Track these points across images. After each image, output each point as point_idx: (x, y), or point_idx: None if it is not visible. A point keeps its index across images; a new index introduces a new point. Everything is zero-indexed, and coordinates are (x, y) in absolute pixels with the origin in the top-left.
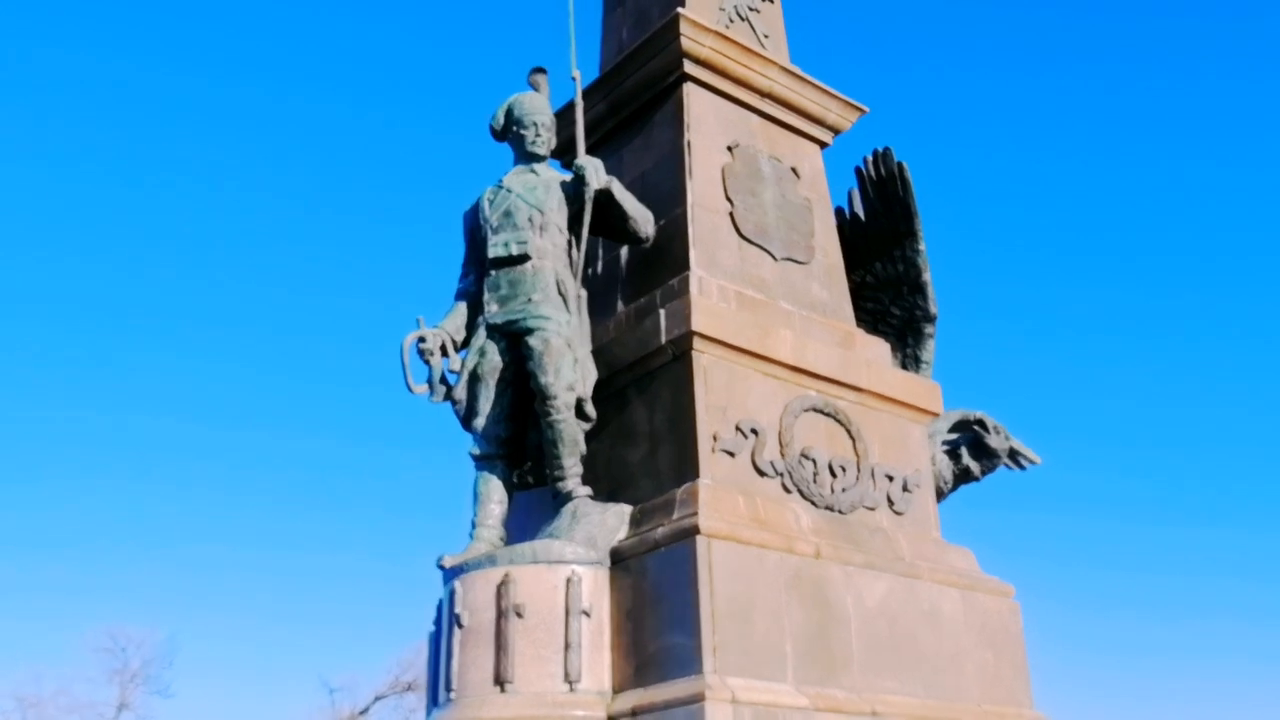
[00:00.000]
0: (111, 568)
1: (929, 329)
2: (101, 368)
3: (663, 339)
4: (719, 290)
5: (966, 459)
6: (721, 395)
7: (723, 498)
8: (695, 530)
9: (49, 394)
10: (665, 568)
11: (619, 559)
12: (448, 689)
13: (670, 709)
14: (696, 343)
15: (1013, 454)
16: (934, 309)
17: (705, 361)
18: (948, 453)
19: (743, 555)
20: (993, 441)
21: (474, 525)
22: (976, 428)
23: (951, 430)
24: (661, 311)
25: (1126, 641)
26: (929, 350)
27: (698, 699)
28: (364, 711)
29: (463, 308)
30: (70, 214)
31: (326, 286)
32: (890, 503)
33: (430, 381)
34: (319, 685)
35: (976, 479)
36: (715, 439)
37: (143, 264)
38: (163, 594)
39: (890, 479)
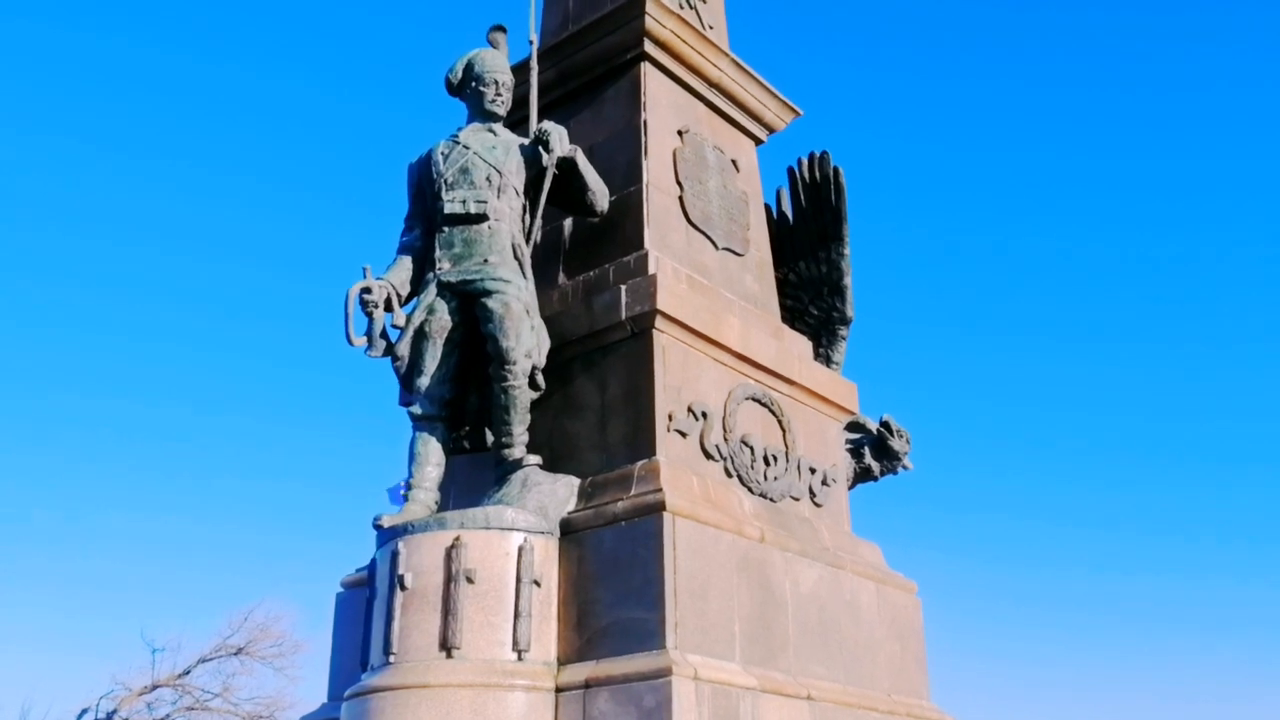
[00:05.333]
0: None
1: (844, 331)
2: None
3: (622, 315)
4: (673, 272)
5: (869, 459)
6: (677, 376)
7: (680, 476)
8: (661, 506)
9: None
10: (624, 542)
11: (570, 530)
12: (386, 652)
13: (630, 683)
14: (658, 321)
15: None
16: (851, 312)
17: (664, 341)
18: (850, 451)
19: (701, 534)
20: (895, 444)
21: (409, 486)
22: (881, 430)
23: (847, 429)
24: (622, 288)
25: (986, 633)
26: (841, 352)
27: (663, 674)
28: (184, 673)
29: (407, 262)
30: None
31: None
32: (812, 494)
33: (370, 335)
34: (143, 646)
35: (875, 479)
36: (670, 418)
37: None
38: None
39: (813, 471)
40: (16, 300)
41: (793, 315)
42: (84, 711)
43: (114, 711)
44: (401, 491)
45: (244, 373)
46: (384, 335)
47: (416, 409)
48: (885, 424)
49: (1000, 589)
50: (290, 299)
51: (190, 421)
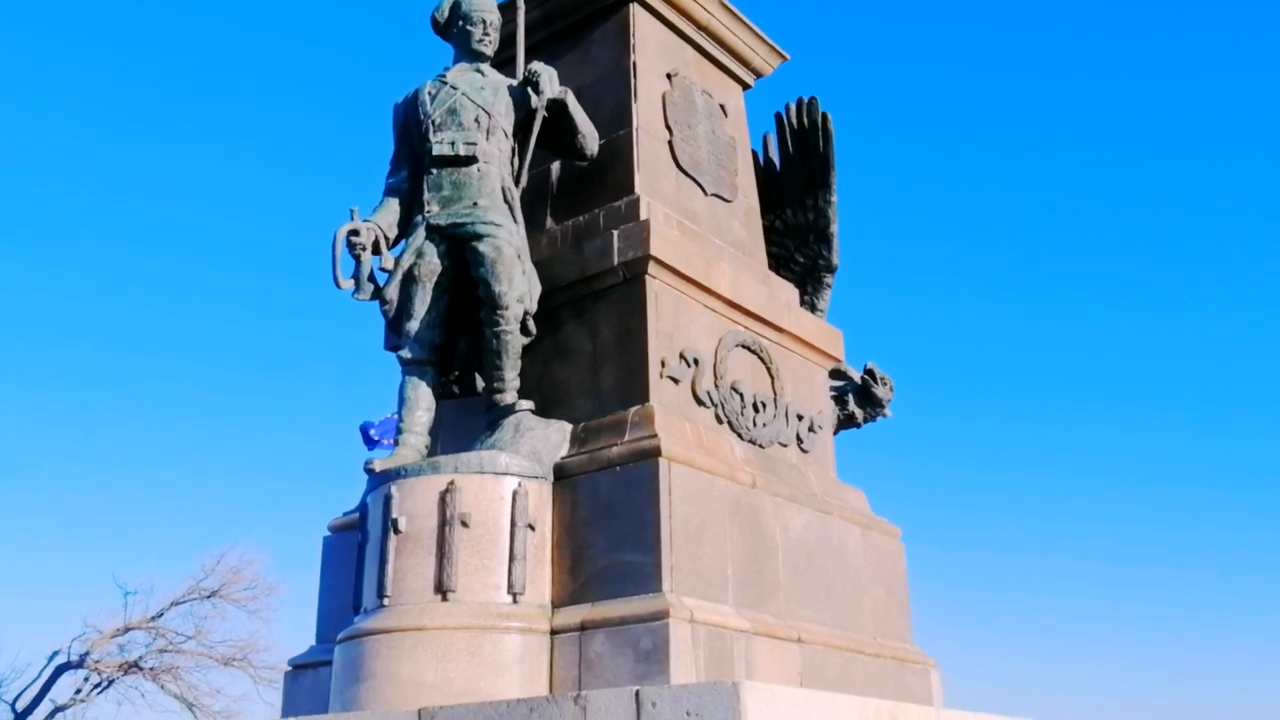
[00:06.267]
0: None
1: (829, 279)
2: None
3: (615, 260)
4: (664, 217)
5: (852, 406)
6: (669, 322)
7: (674, 422)
8: (657, 451)
9: None
10: (619, 487)
11: (563, 475)
12: (380, 595)
13: (626, 625)
14: (651, 267)
15: None
16: (837, 260)
17: (656, 287)
18: (833, 399)
19: (696, 479)
20: (879, 392)
21: (399, 431)
22: (865, 377)
23: (829, 376)
24: (614, 233)
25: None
26: (826, 299)
27: (660, 616)
28: (157, 616)
29: (395, 204)
30: None
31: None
32: (799, 441)
33: (358, 278)
34: (115, 588)
35: (858, 426)
36: (663, 365)
37: None
38: None
39: (800, 418)
40: None
41: (778, 262)
42: (55, 654)
43: (86, 654)
44: (374, 433)
45: (214, 317)
46: (371, 278)
47: (406, 353)
48: (869, 371)
49: (977, 534)
50: (260, 242)
51: (163, 365)
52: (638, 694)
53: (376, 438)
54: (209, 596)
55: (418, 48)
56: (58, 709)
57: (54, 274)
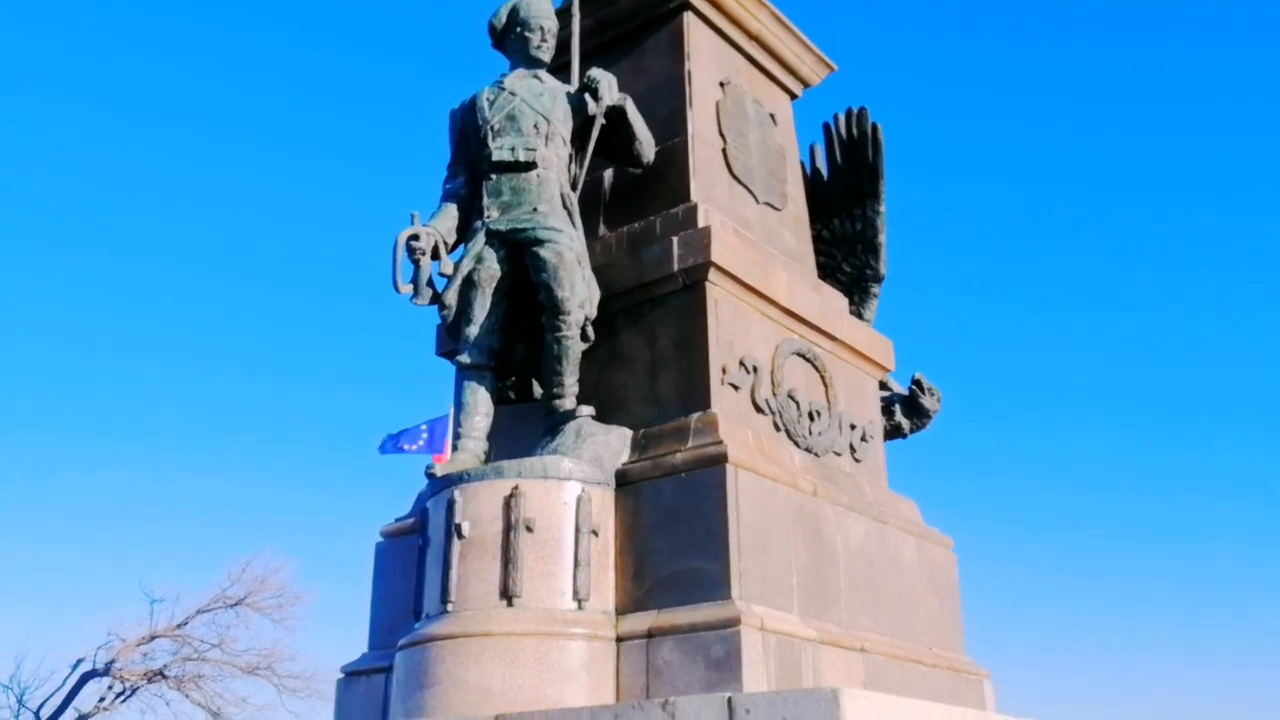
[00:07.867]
0: None
1: (875, 289)
2: None
3: (674, 267)
4: (720, 224)
5: (899, 416)
6: (729, 329)
7: (736, 429)
8: (723, 458)
9: None
10: (684, 493)
11: (625, 481)
12: (443, 600)
13: (696, 632)
14: (711, 274)
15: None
16: (884, 270)
17: (716, 294)
18: (881, 409)
19: (761, 487)
20: (927, 402)
21: (458, 435)
22: (913, 388)
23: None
24: (673, 240)
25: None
26: (872, 310)
27: (731, 623)
28: (182, 624)
29: (453, 209)
30: None
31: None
32: (852, 450)
33: (416, 283)
34: (141, 597)
35: (904, 436)
36: (724, 371)
37: None
38: None
39: (853, 428)
40: (16, 253)
41: (825, 272)
42: (79, 661)
43: (111, 662)
44: (402, 444)
45: (244, 326)
46: (430, 284)
47: (465, 358)
48: (917, 382)
49: (1019, 547)
50: (287, 253)
51: (191, 373)
52: (730, 700)
53: (405, 447)
54: (234, 605)
55: (450, 59)
56: (82, 717)
57: (85, 282)
